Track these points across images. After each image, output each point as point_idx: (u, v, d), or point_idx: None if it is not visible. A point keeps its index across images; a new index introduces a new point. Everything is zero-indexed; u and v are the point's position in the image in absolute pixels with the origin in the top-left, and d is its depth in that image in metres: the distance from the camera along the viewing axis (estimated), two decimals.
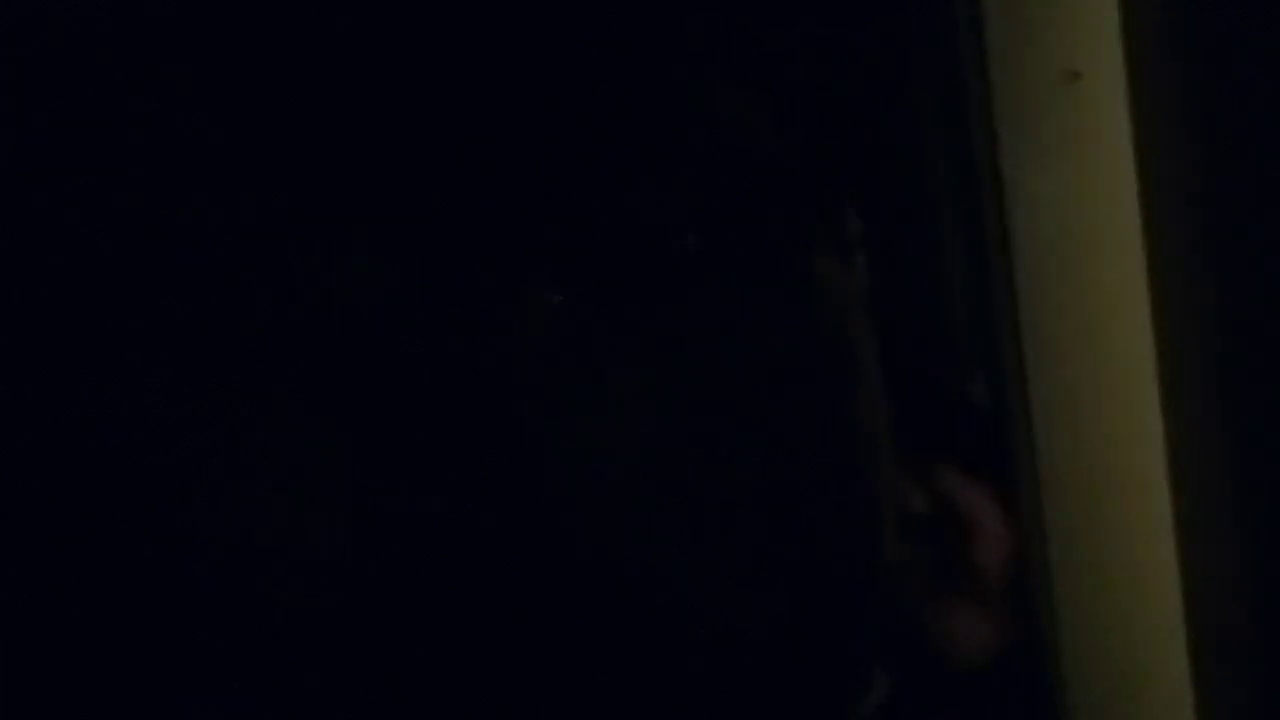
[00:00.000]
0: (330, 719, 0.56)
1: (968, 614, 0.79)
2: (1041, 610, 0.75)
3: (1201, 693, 0.73)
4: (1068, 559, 0.74)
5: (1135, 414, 0.71)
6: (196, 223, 0.56)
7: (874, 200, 0.73)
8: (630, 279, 0.58)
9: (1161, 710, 0.73)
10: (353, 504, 0.56)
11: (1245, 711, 0.71)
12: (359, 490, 0.56)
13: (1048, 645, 0.76)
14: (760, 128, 0.63)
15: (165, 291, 0.56)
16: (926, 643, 0.78)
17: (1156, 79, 0.64)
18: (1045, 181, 0.66)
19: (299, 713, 0.56)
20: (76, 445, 0.57)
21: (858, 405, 0.66)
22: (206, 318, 0.56)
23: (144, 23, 0.55)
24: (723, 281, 0.60)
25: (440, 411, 0.56)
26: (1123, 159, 0.66)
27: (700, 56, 0.62)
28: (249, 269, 0.56)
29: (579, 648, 0.58)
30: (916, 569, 0.77)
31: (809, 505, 0.63)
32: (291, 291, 0.56)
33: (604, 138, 0.58)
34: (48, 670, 0.57)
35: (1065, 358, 0.70)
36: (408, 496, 0.56)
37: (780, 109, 0.64)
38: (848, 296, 0.67)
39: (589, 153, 0.58)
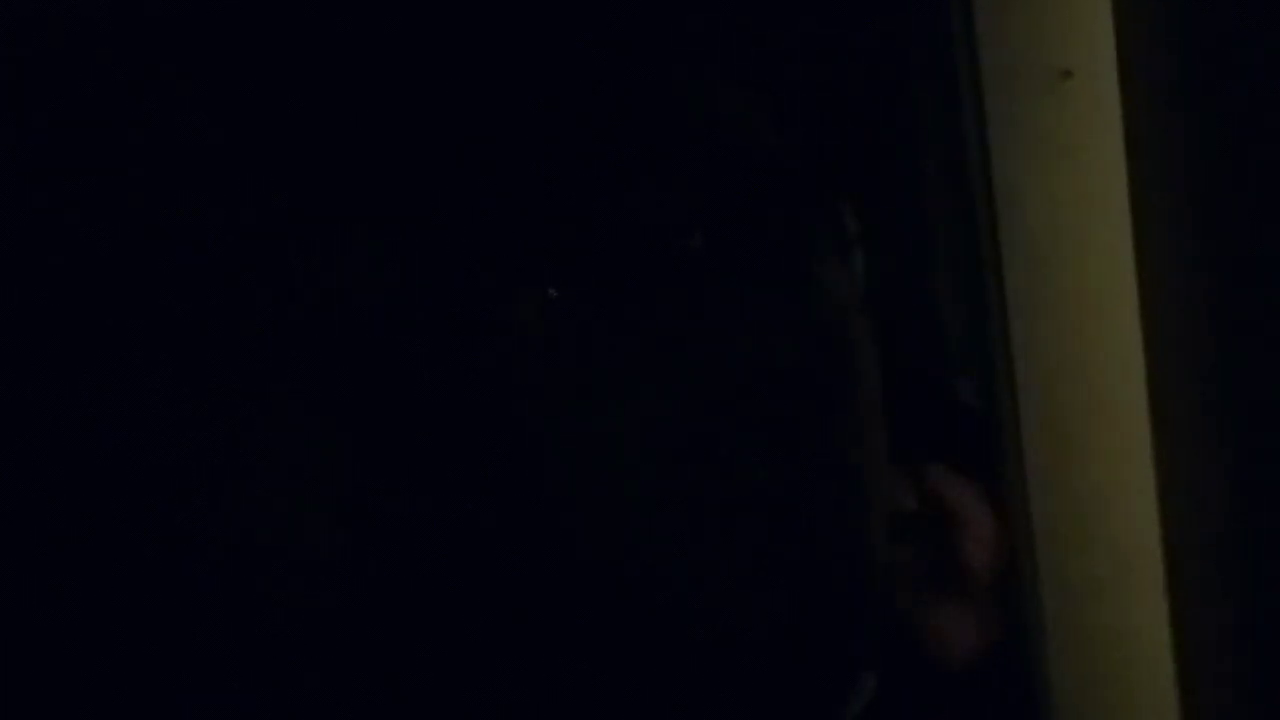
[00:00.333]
0: (330, 718, 0.56)
1: (955, 613, 0.79)
2: (1028, 609, 0.75)
3: (1186, 693, 0.73)
4: (1054, 558, 0.74)
5: (1123, 414, 0.71)
6: (197, 223, 0.56)
7: (867, 199, 0.73)
8: (630, 278, 0.58)
9: (1146, 710, 0.73)
10: (352, 504, 0.56)
11: (1230, 712, 0.71)
12: (358, 490, 0.56)
13: (1034, 644, 0.76)
14: (760, 127, 0.63)
15: (165, 291, 0.56)
16: (914, 642, 0.79)
17: (1147, 77, 0.65)
18: (1036, 179, 0.67)
19: (298, 712, 0.56)
20: (76, 444, 0.57)
21: (855, 405, 0.66)
22: (206, 317, 0.57)
23: (144, 23, 0.56)
24: (722, 281, 0.60)
25: (439, 411, 0.57)
26: (1113, 157, 0.66)
27: (700, 57, 0.62)
28: (249, 269, 0.56)
29: (575, 647, 0.58)
30: (905, 568, 0.78)
31: (805, 504, 0.63)
32: (291, 291, 0.56)
33: (604, 137, 0.58)
34: (46, 669, 0.57)
35: (1054, 357, 0.70)
36: (407, 496, 0.56)
37: (778, 109, 0.64)
38: (846, 296, 0.67)
39: (589, 152, 0.58)
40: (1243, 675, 0.71)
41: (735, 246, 0.60)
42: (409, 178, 0.56)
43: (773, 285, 0.62)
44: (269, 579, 0.56)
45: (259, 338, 0.55)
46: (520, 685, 0.57)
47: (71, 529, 0.56)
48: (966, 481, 0.78)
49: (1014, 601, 0.76)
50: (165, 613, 0.56)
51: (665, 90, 0.60)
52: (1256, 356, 0.66)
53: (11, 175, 0.56)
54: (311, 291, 0.55)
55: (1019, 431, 0.72)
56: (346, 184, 0.56)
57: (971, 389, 0.79)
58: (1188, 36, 0.64)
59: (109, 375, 0.56)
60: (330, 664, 0.57)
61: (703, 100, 0.61)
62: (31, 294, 0.56)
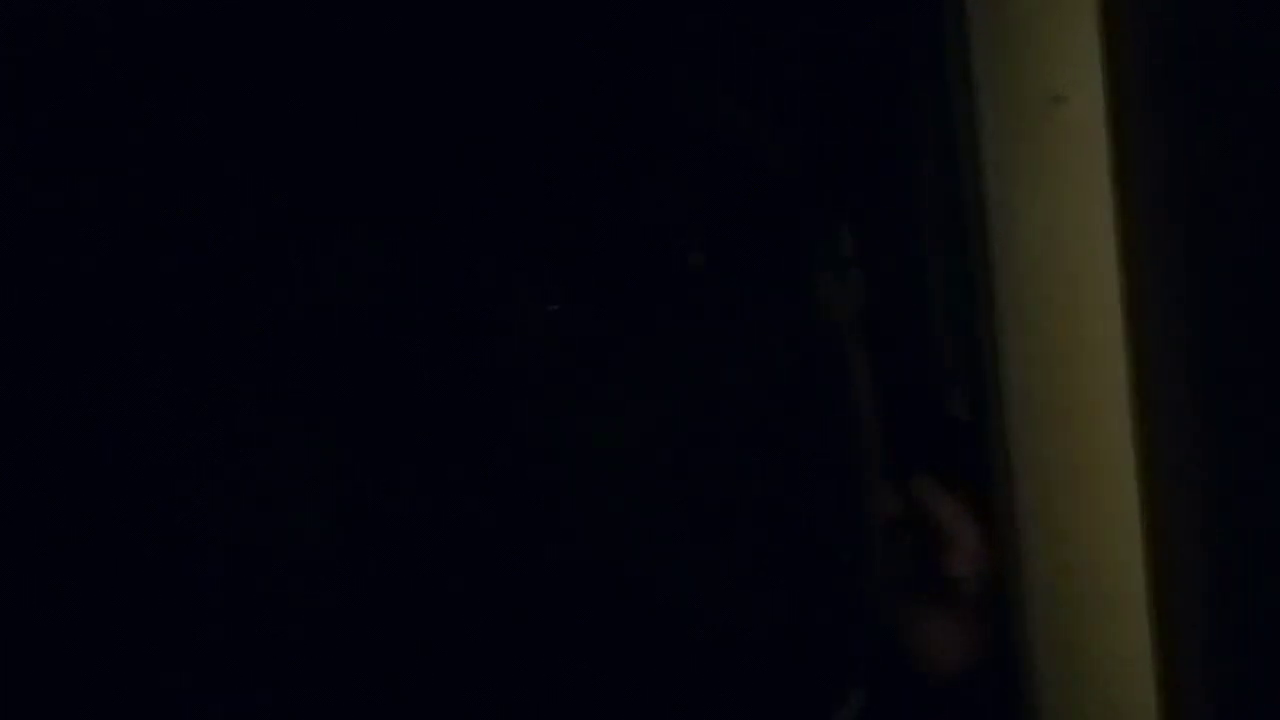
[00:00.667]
0: (329, 718, 0.56)
1: (942, 625, 0.80)
2: (1015, 622, 0.76)
3: (1170, 706, 0.74)
4: (1042, 571, 0.75)
5: (1110, 430, 0.72)
6: (197, 223, 0.56)
7: (864, 219, 0.74)
8: (632, 290, 0.58)
9: None
10: (350, 504, 0.57)
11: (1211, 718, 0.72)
12: (357, 490, 0.57)
13: (1020, 657, 0.77)
14: (762, 146, 0.64)
15: (165, 292, 0.56)
16: (901, 654, 0.79)
17: (1136, 103, 0.66)
18: (1028, 200, 0.68)
19: (297, 712, 0.57)
20: (75, 444, 0.57)
21: (849, 417, 0.67)
22: (206, 318, 0.57)
23: (144, 23, 0.56)
24: (722, 295, 0.60)
25: (439, 413, 0.57)
26: (1102, 179, 0.67)
27: (703, 71, 0.63)
28: (249, 269, 0.57)
29: (572, 649, 0.59)
30: (892, 580, 0.78)
31: (799, 514, 0.63)
32: (292, 292, 0.56)
33: (609, 147, 0.59)
34: (45, 668, 0.57)
35: (1043, 372, 0.71)
36: (406, 498, 0.56)
37: (781, 128, 0.65)
38: (841, 312, 0.68)
39: (593, 160, 0.59)
40: (1225, 688, 0.72)
41: (736, 263, 0.61)
42: (412, 182, 0.57)
43: (771, 301, 0.63)
44: (267, 579, 0.56)
45: (259, 338, 0.56)
46: (517, 685, 0.57)
47: (70, 528, 0.56)
48: (953, 494, 0.79)
49: (1001, 614, 0.77)
50: (164, 612, 0.56)
51: (669, 102, 0.61)
52: (1243, 376, 0.67)
53: (11, 175, 0.56)
54: (312, 292, 0.56)
55: (1008, 445, 0.73)
56: (347, 185, 0.56)
57: (962, 405, 0.80)
58: (1176, 63, 0.65)
59: (108, 375, 0.56)
60: (328, 664, 0.57)
61: (706, 113, 0.61)
62: (31, 294, 0.56)
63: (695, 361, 0.61)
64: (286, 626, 0.57)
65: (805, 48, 0.70)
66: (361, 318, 0.57)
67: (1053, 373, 0.72)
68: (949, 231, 0.74)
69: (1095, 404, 0.72)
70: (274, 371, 0.57)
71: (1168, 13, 0.65)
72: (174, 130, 0.57)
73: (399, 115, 0.58)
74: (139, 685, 0.58)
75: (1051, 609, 0.76)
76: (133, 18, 0.56)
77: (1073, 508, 0.75)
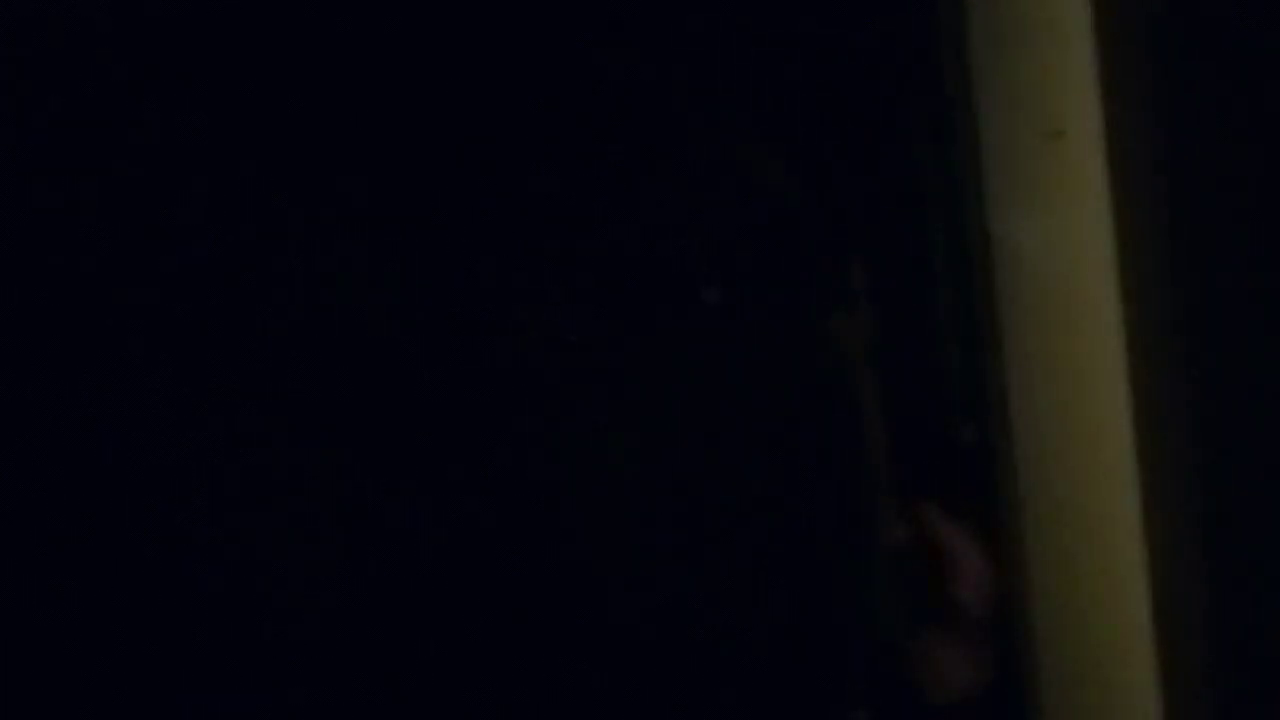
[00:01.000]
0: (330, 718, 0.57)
1: (947, 648, 0.80)
2: (1020, 644, 0.77)
3: None
4: (1047, 595, 0.76)
5: (1114, 454, 0.73)
6: (197, 224, 0.57)
7: (869, 250, 0.75)
8: (646, 317, 0.59)
9: None
10: (351, 504, 0.57)
11: None
12: (357, 491, 0.57)
13: (1026, 679, 0.77)
14: (779, 187, 0.65)
15: (165, 292, 0.57)
16: (906, 676, 0.79)
17: (1134, 136, 0.68)
18: (1030, 232, 0.70)
19: (296, 712, 0.57)
20: (74, 445, 0.57)
21: (858, 445, 0.67)
22: (205, 319, 0.57)
23: (144, 23, 0.57)
24: (734, 324, 0.61)
25: (443, 416, 0.57)
26: (1102, 211, 0.69)
27: (717, 111, 0.64)
28: (248, 271, 0.57)
29: (571, 654, 0.59)
30: (899, 602, 0.79)
31: (806, 537, 0.64)
32: (292, 293, 0.57)
33: (628, 188, 0.60)
34: (44, 669, 0.58)
35: (1047, 400, 0.73)
36: (410, 498, 0.57)
37: (789, 164, 0.66)
38: (852, 343, 0.68)
39: (611, 202, 0.59)
40: (1228, 710, 0.73)
41: (747, 295, 0.62)
42: (417, 187, 0.57)
43: (781, 331, 0.63)
44: (267, 578, 0.56)
45: (259, 339, 0.56)
46: (517, 687, 0.58)
47: (70, 529, 0.56)
48: (958, 519, 0.79)
49: (1005, 636, 0.78)
50: (163, 611, 0.56)
51: (683, 138, 0.62)
52: (1240, 398, 0.68)
53: (11, 175, 0.57)
54: (312, 293, 0.56)
55: (1013, 470, 0.74)
56: (353, 187, 0.57)
57: (970, 433, 0.81)
58: (1173, 97, 0.66)
59: (108, 376, 0.56)
60: (327, 664, 0.57)
61: (719, 148, 0.62)
62: (31, 295, 0.57)
63: (705, 388, 0.62)
64: (287, 625, 0.57)
65: (813, 85, 0.71)
66: (365, 319, 0.57)
67: (1057, 399, 0.73)
68: (954, 261, 0.75)
69: (1098, 429, 0.73)
70: (274, 372, 0.57)
71: (1164, 48, 0.67)
72: (175, 131, 0.57)
73: (406, 121, 0.59)
74: (139, 684, 0.58)
75: (1056, 632, 0.76)
76: (133, 18, 0.57)
77: (1076, 532, 0.75)
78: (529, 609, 0.59)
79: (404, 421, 0.58)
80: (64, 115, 0.58)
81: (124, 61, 0.57)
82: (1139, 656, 0.76)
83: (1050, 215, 0.70)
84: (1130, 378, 0.72)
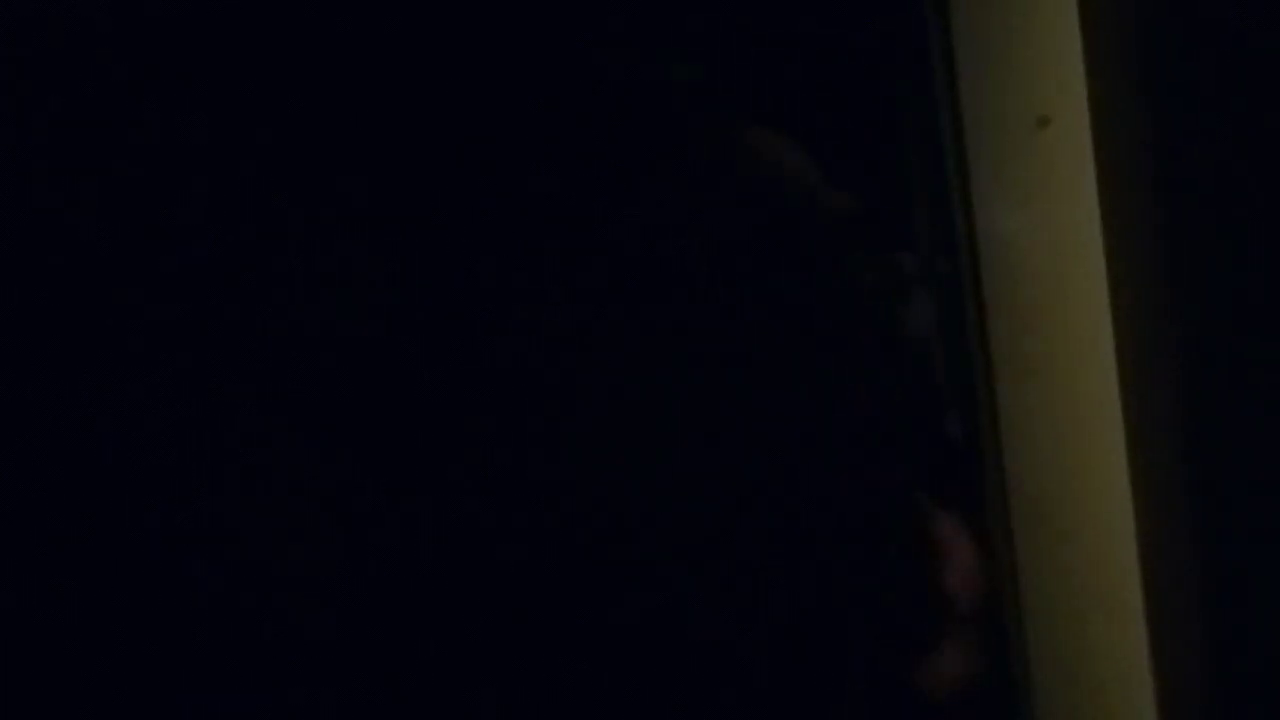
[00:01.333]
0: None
1: (939, 641, 0.80)
2: (1012, 637, 0.77)
3: (1167, 716, 0.74)
4: (1038, 586, 0.76)
5: (1103, 443, 0.73)
6: (197, 224, 0.57)
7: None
8: (650, 316, 0.59)
9: None
10: (350, 505, 0.57)
11: None
12: (357, 491, 0.57)
13: (1018, 672, 0.77)
14: (813, 183, 0.64)
15: (164, 293, 0.56)
16: (899, 670, 0.79)
17: (1121, 122, 0.67)
18: (1016, 219, 0.69)
19: (296, 713, 0.57)
20: (73, 446, 0.57)
21: (858, 436, 0.67)
22: (205, 319, 0.57)
23: (144, 23, 0.56)
24: (738, 323, 0.61)
25: (443, 414, 0.57)
26: (1089, 198, 0.68)
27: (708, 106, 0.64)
28: (247, 271, 0.57)
29: (577, 660, 0.59)
30: (899, 597, 0.78)
31: (802, 528, 0.63)
32: (291, 293, 0.57)
33: (634, 190, 0.59)
34: (43, 670, 0.58)
35: (1035, 390, 0.72)
36: (408, 499, 0.57)
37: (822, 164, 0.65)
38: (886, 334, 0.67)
39: (619, 207, 0.59)
40: (1220, 702, 0.73)
41: (748, 294, 0.61)
42: (415, 184, 0.57)
43: (794, 320, 0.63)
44: (266, 579, 0.56)
45: (257, 339, 0.56)
46: (513, 689, 0.58)
47: (69, 530, 0.56)
48: (949, 512, 0.79)
49: (997, 631, 0.78)
50: (162, 613, 0.56)
51: (674, 127, 0.61)
52: (1230, 385, 0.68)
53: (11, 175, 0.56)
54: (312, 293, 0.56)
55: (1002, 462, 0.74)
56: (354, 187, 0.57)
57: (956, 425, 0.81)
58: (1157, 84, 0.66)
59: (108, 377, 0.56)
60: (327, 664, 0.57)
61: (762, 164, 0.62)
62: (30, 296, 0.56)
63: (709, 387, 0.61)
64: (287, 625, 0.57)
65: (794, 70, 0.71)
66: (364, 319, 0.57)
67: (1045, 389, 0.72)
68: (941, 252, 0.74)
69: (1088, 421, 0.72)
70: (273, 372, 0.57)
71: (1150, 34, 0.66)
72: (175, 131, 0.57)
73: (406, 120, 0.59)
74: (138, 685, 0.58)
75: (1048, 624, 0.76)
76: (132, 18, 0.57)
77: (1066, 524, 0.75)
78: (537, 611, 0.59)
79: (404, 421, 0.58)
80: (64, 115, 0.57)
81: (123, 61, 0.57)
82: (1133, 644, 0.75)
83: (1036, 202, 0.70)
84: (1120, 364, 0.71)
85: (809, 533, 0.64)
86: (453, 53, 0.59)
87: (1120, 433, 0.73)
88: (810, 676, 0.66)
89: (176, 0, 0.57)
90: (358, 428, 0.57)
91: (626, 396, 0.59)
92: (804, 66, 0.72)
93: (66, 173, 0.57)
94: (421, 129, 0.59)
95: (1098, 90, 0.68)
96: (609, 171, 0.60)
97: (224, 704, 0.58)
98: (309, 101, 0.57)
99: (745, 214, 0.63)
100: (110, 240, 0.57)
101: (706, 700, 0.61)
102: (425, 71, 0.59)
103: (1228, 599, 0.72)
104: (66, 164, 0.57)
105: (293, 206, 0.57)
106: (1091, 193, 0.69)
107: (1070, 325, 0.71)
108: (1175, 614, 0.74)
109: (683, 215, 0.61)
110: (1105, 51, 0.67)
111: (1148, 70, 0.66)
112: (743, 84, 0.67)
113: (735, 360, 0.61)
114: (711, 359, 0.61)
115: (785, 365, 0.62)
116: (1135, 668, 0.75)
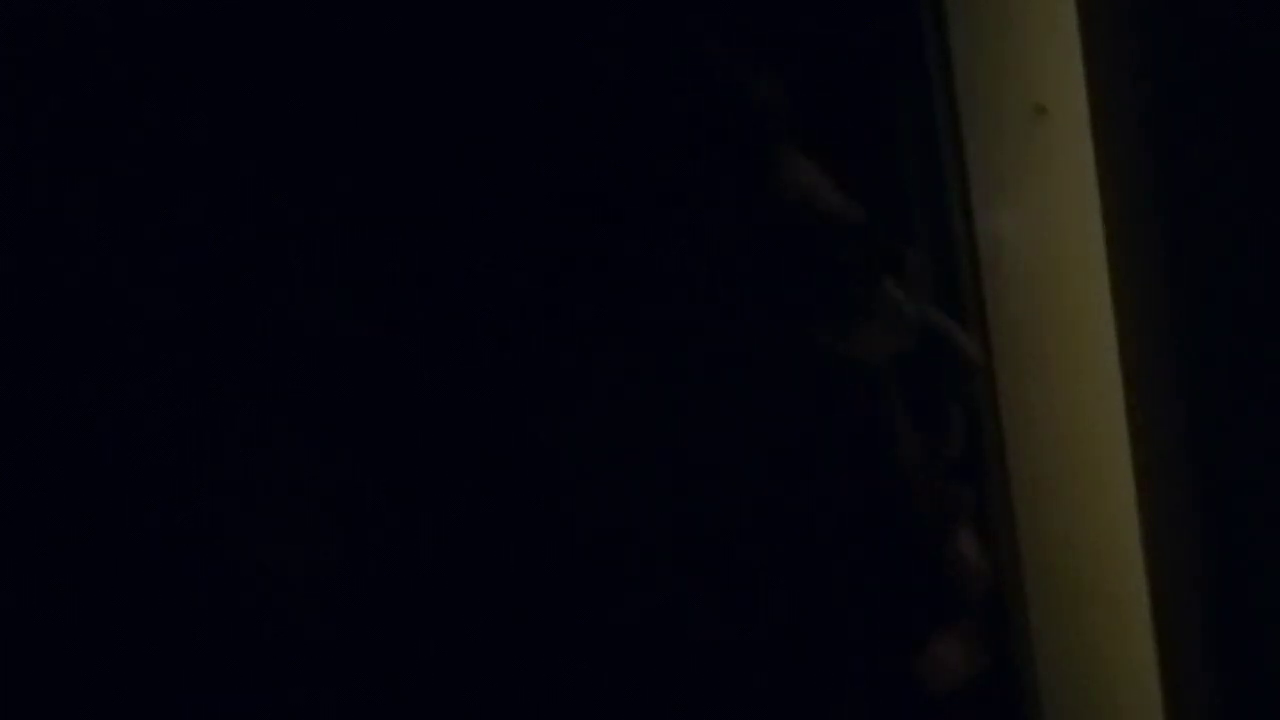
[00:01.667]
0: None
1: (944, 639, 0.79)
2: (1016, 629, 0.76)
3: (1172, 712, 0.74)
4: (1041, 578, 0.75)
5: (1105, 440, 0.73)
6: (196, 226, 0.57)
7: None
8: (650, 315, 0.59)
9: None
10: (349, 509, 0.57)
11: None
12: (356, 495, 0.57)
13: (1022, 666, 0.77)
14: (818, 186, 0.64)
15: (163, 295, 0.57)
16: (903, 665, 0.79)
17: (1118, 112, 0.67)
18: (1014, 208, 0.69)
19: (295, 716, 0.57)
20: (71, 448, 0.57)
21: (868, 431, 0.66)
22: (204, 321, 0.57)
23: (143, 24, 0.56)
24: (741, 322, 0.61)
25: (441, 415, 0.57)
26: (1087, 187, 0.68)
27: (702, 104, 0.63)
28: (246, 273, 0.57)
29: (574, 664, 0.59)
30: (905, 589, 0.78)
31: (803, 521, 0.63)
32: (290, 295, 0.57)
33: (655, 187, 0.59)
34: (42, 674, 0.58)
35: (1035, 380, 0.72)
36: (406, 502, 0.57)
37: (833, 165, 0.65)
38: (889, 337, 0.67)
39: (618, 208, 0.59)
40: (1224, 695, 0.73)
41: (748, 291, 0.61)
42: (412, 183, 0.57)
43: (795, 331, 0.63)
44: (265, 584, 0.56)
45: (256, 341, 0.56)
46: (517, 692, 0.58)
47: (67, 533, 0.56)
48: (951, 511, 0.79)
49: (1002, 624, 0.77)
50: (161, 618, 0.56)
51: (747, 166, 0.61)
52: (1231, 376, 0.68)
53: (11, 175, 0.56)
54: (311, 295, 0.56)
55: (1003, 452, 0.74)
56: (351, 187, 0.57)
57: (958, 413, 0.80)
58: (1156, 72, 0.66)
59: (106, 379, 0.56)
60: (327, 670, 0.57)
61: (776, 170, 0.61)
62: (29, 298, 0.56)
63: (708, 378, 0.61)
64: (284, 630, 0.57)
65: (789, 60, 0.71)
66: (364, 318, 0.57)
67: (1044, 379, 0.72)
68: (940, 239, 0.74)
69: (1088, 409, 0.72)
70: (269, 373, 0.57)
71: (1148, 24, 0.66)
72: (174, 131, 0.57)
73: (406, 118, 0.59)
74: (137, 690, 0.58)
75: (1052, 616, 0.76)
76: (131, 18, 0.57)
77: (1069, 518, 0.75)
78: (535, 610, 0.58)
79: (403, 421, 0.58)
80: (64, 115, 0.57)
81: (123, 62, 0.57)
82: (1138, 635, 0.75)
83: (1034, 192, 0.69)
84: (1121, 354, 0.71)
85: (810, 527, 0.63)
86: (448, 53, 0.59)
87: (1122, 425, 0.72)
88: (811, 672, 0.66)
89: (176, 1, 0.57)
90: (356, 428, 0.57)
91: (627, 395, 0.59)
92: (798, 57, 0.72)
93: (66, 173, 0.58)
94: (419, 129, 0.59)
95: (1095, 79, 0.67)
96: (607, 172, 0.60)
97: (222, 704, 0.58)
98: (309, 101, 0.57)
99: (748, 212, 0.63)
100: (109, 240, 0.57)
101: (704, 697, 0.61)
102: (424, 70, 0.59)
103: (1231, 593, 0.72)
104: (66, 164, 0.58)
105: (291, 206, 0.57)
106: (1090, 181, 0.68)
107: (1070, 311, 0.71)
108: (1179, 609, 0.74)
109: (683, 214, 0.61)
110: (1102, 41, 0.67)
111: (1145, 59, 0.66)
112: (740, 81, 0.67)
113: (732, 357, 0.61)
114: (709, 355, 0.60)
115: (782, 362, 0.62)
116: (1140, 662, 0.75)
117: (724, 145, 0.60)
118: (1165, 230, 0.67)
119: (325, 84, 0.57)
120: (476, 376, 0.57)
